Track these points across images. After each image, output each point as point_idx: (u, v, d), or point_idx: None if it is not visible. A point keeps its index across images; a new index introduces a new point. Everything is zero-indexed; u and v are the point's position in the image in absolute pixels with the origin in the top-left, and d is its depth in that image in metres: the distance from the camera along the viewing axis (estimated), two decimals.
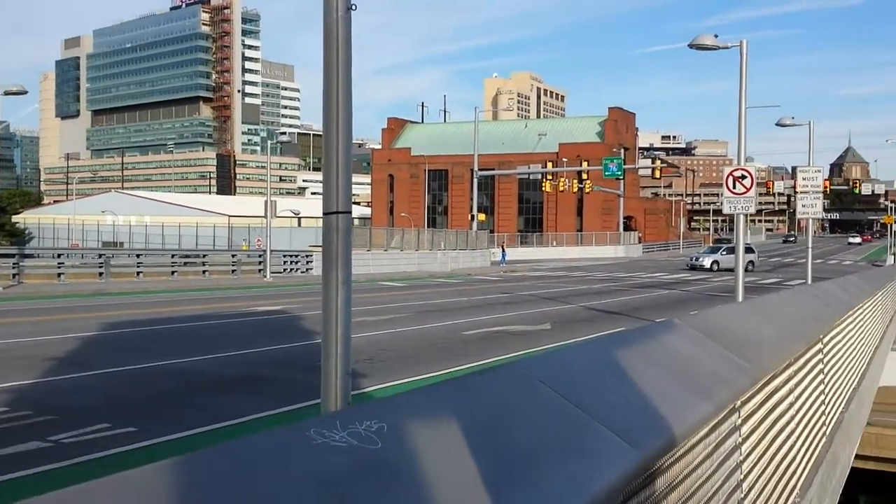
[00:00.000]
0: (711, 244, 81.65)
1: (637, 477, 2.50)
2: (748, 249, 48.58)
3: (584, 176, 60.59)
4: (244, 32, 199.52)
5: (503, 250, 61.67)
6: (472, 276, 43.21)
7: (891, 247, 56.29)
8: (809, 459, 6.21)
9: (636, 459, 2.47)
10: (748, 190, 18.47)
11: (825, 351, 7.25)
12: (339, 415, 2.02)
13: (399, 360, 12.92)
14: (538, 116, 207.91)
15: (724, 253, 50.04)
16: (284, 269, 40.88)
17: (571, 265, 56.26)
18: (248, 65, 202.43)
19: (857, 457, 16.11)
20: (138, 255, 38.07)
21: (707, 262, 50.86)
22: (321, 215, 6.40)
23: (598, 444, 2.43)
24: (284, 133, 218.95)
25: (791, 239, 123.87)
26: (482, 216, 65.29)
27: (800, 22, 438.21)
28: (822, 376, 7.01)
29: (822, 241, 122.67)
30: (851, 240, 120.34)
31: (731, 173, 18.83)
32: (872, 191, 79.95)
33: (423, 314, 20.65)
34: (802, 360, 6.10)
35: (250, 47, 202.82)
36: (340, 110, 6.24)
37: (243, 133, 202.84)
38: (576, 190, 63.84)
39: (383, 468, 1.80)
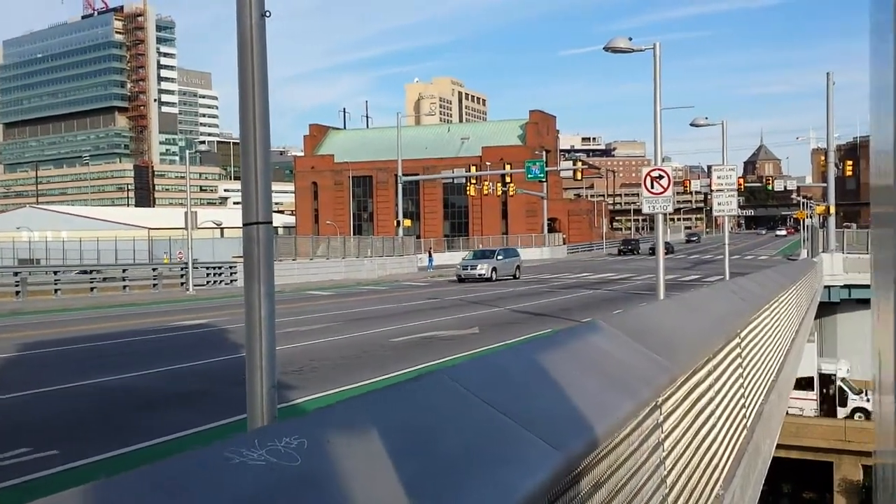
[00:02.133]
0: (622, 243, 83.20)
1: (561, 479, 2.53)
2: (514, 254, 45.22)
3: (508, 179, 61.15)
4: (159, 40, 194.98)
5: (430, 255, 61.77)
6: (399, 282, 43.14)
7: (803, 241, 58.53)
8: (732, 451, 6.38)
9: (560, 461, 2.49)
10: (665, 190, 18.93)
11: (743, 345, 7.46)
12: (257, 433, 1.97)
13: (329, 370, 12.80)
14: (461, 121, 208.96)
15: (501, 258, 43.23)
16: (208, 282, 40.07)
17: None
18: (163, 73, 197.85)
19: (779, 446, 16.66)
20: (56, 272, 36.81)
21: (484, 271, 41.15)
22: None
23: (523, 448, 2.44)
24: (203, 142, 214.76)
25: (694, 238, 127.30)
26: (408, 222, 65.31)
27: (713, 23, 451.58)
28: (740, 370, 7.22)
29: (739, 238, 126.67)
30: (778, 233, 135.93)
31: (648, 174, 19.27)
32: (785, 187, 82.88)
33: (352, 322, 20.52)
34: (721, 355, 6.27)
35: (166, 55, 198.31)
36: (257, 118, 6.15)
37: (161, 143, 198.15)
38: (500, 193, 64.44)
39: (303, 485, 1.77)
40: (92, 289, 34.94)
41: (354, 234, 75.67)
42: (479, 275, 40.96)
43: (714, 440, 5.63)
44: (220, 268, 41.76)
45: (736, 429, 6.71)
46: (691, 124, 33.35)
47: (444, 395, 2.51)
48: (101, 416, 9.89)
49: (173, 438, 8.42)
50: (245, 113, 6.13)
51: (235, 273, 40.07)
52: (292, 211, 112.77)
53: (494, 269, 41.72)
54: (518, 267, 44.46)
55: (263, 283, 6.15)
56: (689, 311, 6.28)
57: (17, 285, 32.12)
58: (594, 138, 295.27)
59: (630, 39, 19.77)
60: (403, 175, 60.09)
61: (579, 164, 64.49)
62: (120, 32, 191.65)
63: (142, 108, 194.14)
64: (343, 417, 2.16)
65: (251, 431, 2.44)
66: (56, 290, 33.44)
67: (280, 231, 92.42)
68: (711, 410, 5.63)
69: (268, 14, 6.21)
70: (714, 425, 5.68)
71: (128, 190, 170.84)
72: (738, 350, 7.12)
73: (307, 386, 11.18)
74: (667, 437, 4.24)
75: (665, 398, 4.24)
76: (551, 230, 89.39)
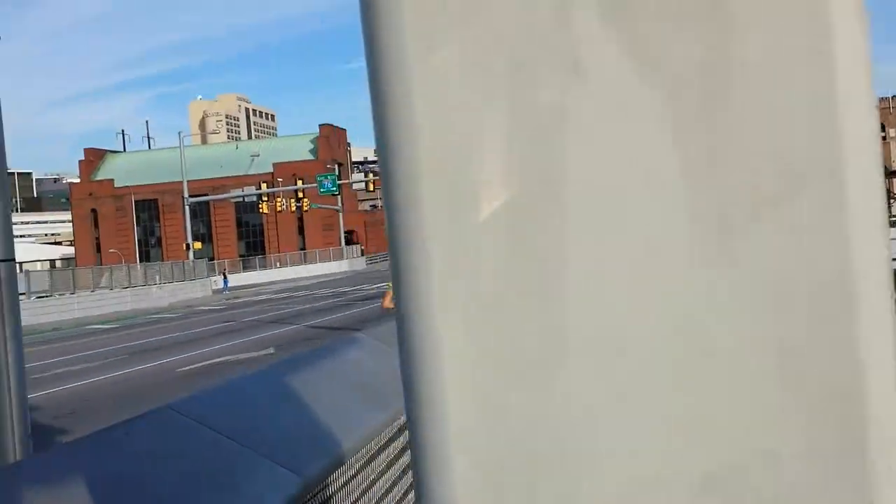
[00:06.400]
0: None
1: (299, 502, 2.48)
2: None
3: (301, 194, 60.59)
4: None
5: (225, 277, 59.87)
6: (192, 307, 41.45)
7: None
8: None
9: (297, 484, 2.44)
10: None
11: None
12: None
13: (106, 409, 12.01)
14: (250, 137, 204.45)
15: None
16: None
17: (296, 285, 55.95)
18: None
19: None
20: None
21: None
22: None
23: (256, 476, 2.37)
24: None
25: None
26: (199, 244, 62.97)
27: None
28: None
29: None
30: None
31: None
32: None
33: (137, 355, 19.43)
34: None
35: None
36: None
37: None
38: (294, 209, 63.71)
39: None
40: None
41: (142, 261, 71.88)
42: None
43: None
44: None
45: None
46: None
47: (167, 430, 2.38)
48: None
49: None
50: None
51: None
52: (71, 241, 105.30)
53: None
54: None
55: (9, 325, 5.67)
56: None
57: None
58: None
59: None
60: (191, 196, 57.89)
61: (371, 175, 65.10)
62: None
63: None
64: (47, 469, 2.00)
65: None
66: None
67: (58, 263, 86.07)
68: None
69: None
70: None
71: None
72: None
73: (81, 429, 10.43)
74: None
75: None
76: (349, 242, 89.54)
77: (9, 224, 5.86)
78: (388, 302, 11.26)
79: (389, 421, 3.46)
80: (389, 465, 3.47)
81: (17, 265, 6.21)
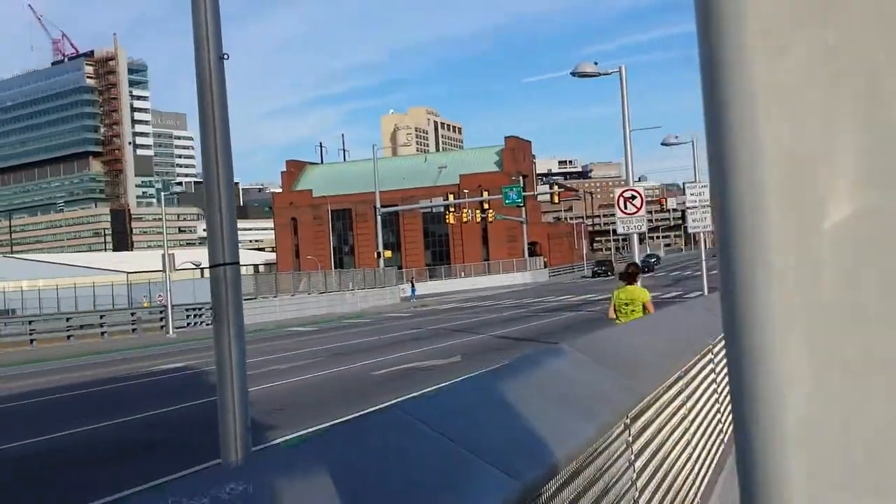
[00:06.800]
0: (595, 264, 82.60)
1: None
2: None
3: (486, 206, 61.43)
4: (132, 83, 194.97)
5: (412, 285, 61.71)
6: (382, 314, 43.02)
7: None
8: (709, 468, 6.38)
9: (517, 490, 2.49)
10: (638, 209, 19.08)
11: (716, 360, 7.49)
12: (202, 479, 1.96)
13: (310, 406, 12.71)
14: (437, 150, 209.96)
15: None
16: (188, 324, 39.80)
17: (481, 295, 56.71)
18: (137, 116, 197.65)
19: None
20: (30, 322, 36.42)
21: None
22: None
23: (477, 479, 2.44)
24: (180, 183, 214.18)
25: (652, 259, 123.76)
26: (388, 253, 65.31)
27: (676, 43, 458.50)
28: (715, 385, 7.24)
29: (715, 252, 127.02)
30: None
31: (621, 194, 19.43)
32: None
33: (334, 357, 20.42)
34: (694, 371, 6.28)
35: (139, 98, 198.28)
36: (220, 160, 6.14)
37: (137, 186, 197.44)
38: (479, 220, 64.66)
39: None
40: (69, 337, 34.59)
41: (335, 267, 75.54)
42: None
43: (689, 457, 5.63)
44: (199, 309, 41.48)
45: (712, 444, 6.71)
46: (662, 143, 33.67)
47: (398, 429, 2.50)
48: (64, 470, 9.72)
49: (142, 489, 8.30)
50: (207, 156, 6.11)
51: None
52: (273, 247, 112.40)
53: None
54: None
55: (233, 325, 6.11)
56: (657, 330, 6.31)
57: None
58: (571, 161, 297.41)
59: (596, 64, 20.04)
60: (382, 206, 60.20)
61: (556, 187, 64.89)
62: (91, 77, 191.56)
63: (116, 151, 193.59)
64: (289, 461, 2.15)
65: (195, 478, 2.42)
66: (31, 341, 33.07)
67: (261, 268, 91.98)
68: (685, 427, 5.63)
69: (226, 56, 6.23)
70: (689, 442, 5.68)
71: (105, 235, 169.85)
72: (711, 365, 7.14)
73: (287, 425, 11.09)
74: (637, 457, 4.24)
75: (632, 419, 4.24)
76: (532, 254, 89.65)
77: (234, 231, 6.32)
78: (612, 313, 11.16)
79: (602, 431, 3.44)
80: (598, 478, 3.44)
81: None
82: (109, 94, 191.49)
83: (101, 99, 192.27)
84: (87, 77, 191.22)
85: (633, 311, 10.82)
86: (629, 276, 11.29)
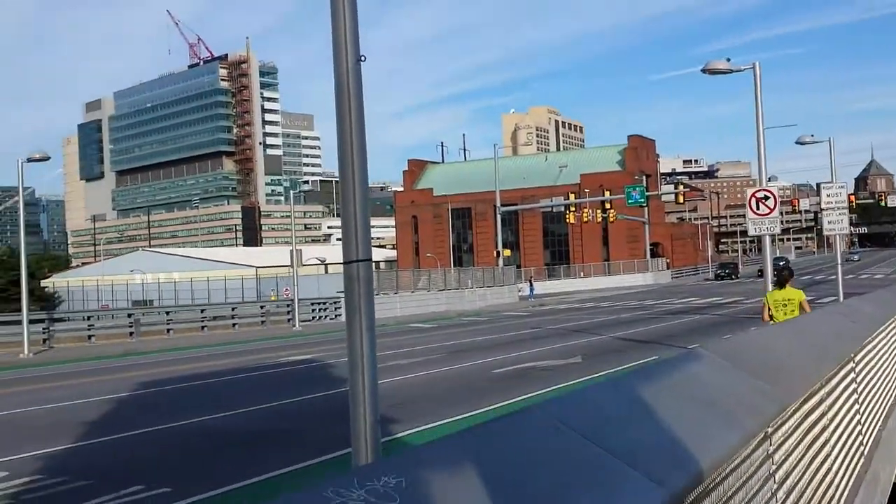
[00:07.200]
0: (718, 267, 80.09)
1: None
2: None
3: (608, 205, 60.50)
4: (262, 85, 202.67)
5: (531, 284, 61.46)
6: (500, 312, 43.09)
7: None
8: (848, 481, 6.09)
9: (662, 497, 2.45)
10: (772, 210, 18.34)
11: (857, 370, 7.14)
12: (357, 472, 2.03)
13: (431, 402, 12.88)
14: (558, 149, 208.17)
15: None
16: (313, 317, 41.03)
17: (600, 295, 55.92)
18: (267, 117, 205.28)
19: None
20: (168, 313, 38.41)
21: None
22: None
23: (621, 483, 2.42)
24: (307, 181, 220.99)
25: (782, 262, 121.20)
26: (508, 252, 65.26)
27: (810, 39, 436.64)
28: (855, 395, 6.90)
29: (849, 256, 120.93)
30: None
31: (753, 195, 18.73)
32: None
33: (454, 354, 20.60)
34: (835, 381, 6.01)
35: (269, 99, 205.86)
36: (355, 160, 6.30)
37: (266, 184, 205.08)
38: (600, 220, 63.72)
39: None
40: (203, 327, 36.30)
41: (454, 265, 76.13)
42: None
43: (829, 470, 5.39)
44: (324, 303, 42.71)
45: (852, 457, 6.40)
46: (797, 142, 32.22)
47: (540, 430, 2.51)
48: (207, 454, 10.21)
49: (278, 475, 8.62)
50: (343, 157, 6.29)
51: (340, 308, 40.89)
52: (393, 245, 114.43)
53: None
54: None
55: (364, 319, 6.27)
56: (797, 336, 6.06)
57: (130, 326, 33.69)
58: (696, 160, 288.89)
59: (728, 60, 19.38)
60: (502, 206, 60.25)
61: (681, 187, 63.15)
62: (225, 80, 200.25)
63: (248, 151, 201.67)
64: (439, 455, 2.20)
65: (351, 471, 2.50)
66: (168, 330, 34.88)
67: (382, 265, 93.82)
68: (825, 439, 5.40)
69: (363, 59, 6.40)
70: (828, 455, 5.44)
71: (236, 230, 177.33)
72: (852, 375, 6.81)
73: (409, 419, 11.28)
74: (778, 468, 4.09)
75: (775, 428, 4.09)
76: (654, 255, 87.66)
77: (367, 229, 6.49)
78: (766, 316, 11.19)
79: (744, 441, 3.35)
80: (739, 487, 3.35)
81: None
82: (241, 95, 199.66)
83: (234, 101, 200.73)
84: (221, 80, 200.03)
85: (791, 310, 10.96)
86: (782, 282, 11.43)
